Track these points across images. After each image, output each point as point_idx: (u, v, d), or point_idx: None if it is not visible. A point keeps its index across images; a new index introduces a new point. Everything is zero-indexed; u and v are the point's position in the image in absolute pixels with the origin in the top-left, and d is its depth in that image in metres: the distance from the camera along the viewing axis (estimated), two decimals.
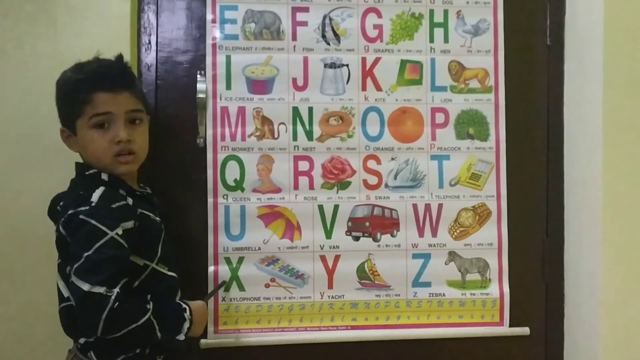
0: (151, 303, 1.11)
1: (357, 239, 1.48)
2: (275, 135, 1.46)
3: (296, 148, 1.46)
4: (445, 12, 1.51)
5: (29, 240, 1.38)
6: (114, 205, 1.12)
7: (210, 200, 1.43)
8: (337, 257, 1.47)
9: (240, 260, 1.44)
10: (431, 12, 1.51)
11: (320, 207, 1.46)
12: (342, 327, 1.47)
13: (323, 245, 1.46)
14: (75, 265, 1.06)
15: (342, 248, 1.47)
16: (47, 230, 1.37)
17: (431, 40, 1.51)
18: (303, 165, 1.47)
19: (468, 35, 1.52)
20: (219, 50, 1.45)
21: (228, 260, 1.43)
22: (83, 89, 1.15)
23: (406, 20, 1.50)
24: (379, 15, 1.49)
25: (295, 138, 1.46)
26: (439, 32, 1.51)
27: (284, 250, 1.45)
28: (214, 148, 1.44)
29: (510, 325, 1.52)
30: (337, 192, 1.47)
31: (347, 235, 1.47)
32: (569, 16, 1.55)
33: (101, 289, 1.04)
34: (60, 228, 1.12)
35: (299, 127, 1.46)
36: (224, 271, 1.43)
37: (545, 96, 1.56)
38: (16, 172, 1.38)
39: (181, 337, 1.15)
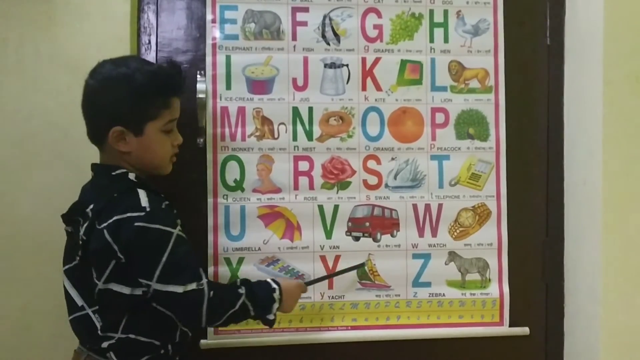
0: (243, 286, 1.17)
1: (357, 239, 1.48)
2: (275, 136, 1.46)
3: (296, 148, 1.46)
4: (445, 12, 1.51)
5: (29, 241, 1.38)
6: (162, 206, 1.13)
7: (210, 200, 1.43)
8: (337, 257, 1.47)
9: (240, 260, 1.44)
10: (431, 12, 1.51)
11: (320, 207, 1.46)
12: (343, 328, 1.47)
13: (323, 246, 1.46)
14: (157, 274, 1.06)
15: (342, 248, 1.47)
16: (47, 231, 1.38)
17: (431, 40, 1.51)
18: (303, 166, 1.47)
19: (468, 35, 1.52)
20: (219, 50, 1.45)
21: (228, 261, 1.43)
22: (163, 94, 1.15)
23: (406, 20, 1.50)
24: (379, 15, 1.49)
25: (295, 138, 1.46)
26: (439, 32, 1.51)
27: (284, 250, 1.45)
28: (214, 148, 1.44)
29: (510, 325, 1.52)
30: (337, 192, 1.47)
31: (347, 235, 1.47)
32: (569, 16, 1.55)
33: (193, 285, 1.08)
34: (106, 234, 1.06)
35: (299, 127, 1.46)
36: (224, 272, 1.43)
37: (545, 96, 1.56)
38: (16, 172, 1.38)
39: (271, 316, 1.20)
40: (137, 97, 1.13)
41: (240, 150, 1.45)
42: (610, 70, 1.42)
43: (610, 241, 1.43)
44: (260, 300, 1.18)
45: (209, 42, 1.45)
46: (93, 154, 1.37)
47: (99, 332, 1.10)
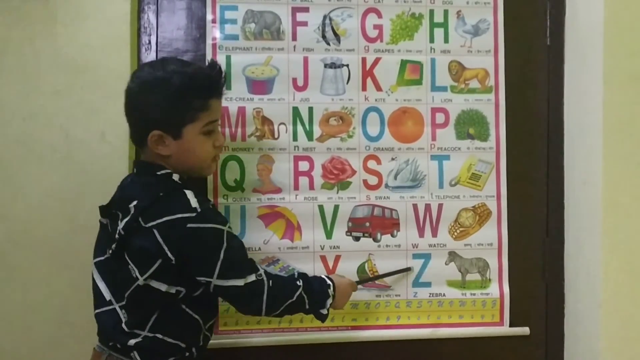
0: (300, 279, 1.21)
1: (357, 239, 1.48)
2: (276, 136, 1.46)
3: (296, 148, 1.46)
4: (445, 12, 1.51)
5: (29, 241, 1.38)
6: (210, 206, 1.15)
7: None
8: (337, 258, 1.47)
9: None
10: (431, 12, 1.51)
11: (321, 208, 1.46)
12: (343, 328, 1.47)
13: (323, 246, 1.46)
14: (217, 271, 1.09)
15: (342, 248, 1.47)
16: (48, 231, 1.38)
17: (431, 40, 1.51)
18: (303, 166, 1.47)
19: (468, 36, 1.52)
20: (219, 51, 1.45)
21: None
22: (200, 96, 1.14)
23: (406, 21, 1.50)
24: (379, 16, 1.49)
25: (295, 138, 1.46)
26: (439, 32, 1.51)
27: (284, 250, 1.45)
28: None
29: (510, 325, 1.52)
30: (337, 192, 1.47)
31: (347, 235, 1.47)
32: (569, 16, 1.55)
33: (253, 277, 1.12)
34: (156, 233, 1.06)
35: (299, 127, 1.46)
36: None
37: (545, 96, 1.56)
38: (16, 172, 1.38)
39: (324, 311, 1.24)
40: (173, 100, 1.12)
41: (240, 150, 1.45)
42: (610, 70, 1.42)
43: (610, 241, 1.43)
44: (316, 294, 1.22)
45: (209, 42, 1.45)
46: (93, 154, 1.38)
47: (126, 328, 1.10)
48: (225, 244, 1.10)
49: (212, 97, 1.16)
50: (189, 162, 1.17)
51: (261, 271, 1.15)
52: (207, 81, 1.16)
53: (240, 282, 1.11)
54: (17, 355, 1.39)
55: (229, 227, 1.13)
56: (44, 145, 1.38)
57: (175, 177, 1.16)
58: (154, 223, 1.06)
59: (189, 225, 1.07)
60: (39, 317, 1.38)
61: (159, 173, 1.15)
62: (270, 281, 1.14)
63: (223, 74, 1.19)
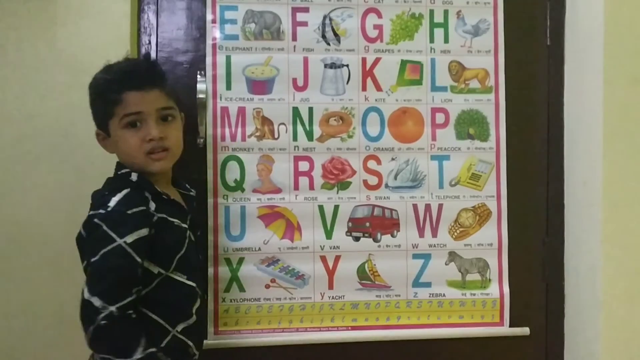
0: (145, 339, 1.05)
1: (357, 239, 1.48)
2: (276, 136, 1.46)
3: (296, 148, 1.46)
4: (445, 12, 1.51)
5: (30, 240, 1.38)
6: (129, 212, 1.09)
7: (210, 200, 1.43)
8: (337, 258, 1.47)
9: (241, 260, 1.44)
10: (431, 12, 1.51)
11: (321, 208, 1.46)
12: (343, 328, 1.47)
13: (323, 246, 1.46)
14: (84, 268, 1.08)
15: (342, 248, 1.47)
16: (48, 230, 1.38)
17: (431, 40, 1.51)
18: (303, 166, 1.46)
19: (468, 36, 1.52)
20: (219, 51, 1.45)
21: (228, 261, 1.43)
22: (113, 90, 1.14)
23: (406, 21, 1.50)
24: (379, 16, 1.49)
25: (295, 138, 1.46)
26: (439, 32, 1.51)
27: (284, 250, 1.45)
28: (214, 148, 1.44)
29: (510, 325, 1.52)
30: (338, 193, 1.47)
31: (347, 235, 1.47)
32: (569, 16, 1.55)
33: (97, 302, 1.02)
34: (81, 227, 1.12)
35: (299, 128, 1.46)
36: (224, 272, 1.43)
37: (545, 96, 1.56)
38: (16, 172, 1.38)
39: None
40: (95, 97, 1.17)
41: (240, 151, 1.45)
42: (610, 70, 1.42)
43: (610, 241, 1.43)
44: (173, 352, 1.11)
45: (209, 42, 1.45)
46: (93, 154, 1.38)
47: None
48: (103, 252, 1.05)
49: (125, 90, 1.13)
50: (123, 157, 1.18)
51: (111, 308, 1.02)
52: (119, 75, 1.15)
53: (85, 293, 1.03)
54: (17, 355, 1.39)
55: (126, 242, 1.06)
56: (44, 145, 1.38)
57: (134, 176, 1.16)
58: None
59: (95, 219, 1.08)
60: (39, 317, 1.38)
61: (119, 172, 1.17)
62: (105, 322, 1.01)
63: (152, 67, 1.20)
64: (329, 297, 1.46)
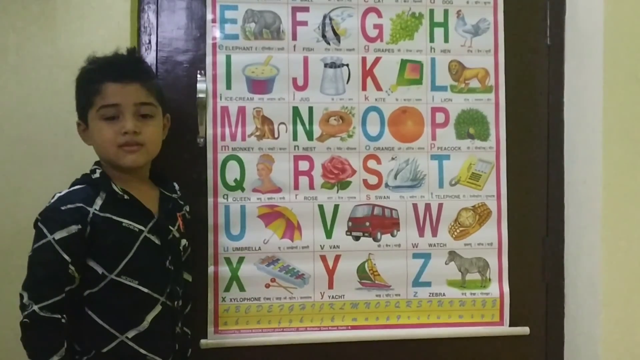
0: (64, 349, 1.06)
1: (357, 238, 1.48)
2: (276, 135, 1.46)
3: (296, 148, 1.46)
4: (446, 11, 1.51)
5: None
6: (63, 207, 1.09)
7: (210, 200, 1.43)
8: (337, 257, 1.47)
9: (241, 260, 1.44)
10: (431, 11, 1.51)
11: (321, 207, 1.46)
12: (343, 327, 1.47)
13: (323, 245, 1.46)
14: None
15: (342, 248, 1.47)
16: None
17: (431, 40, 1.51)
18: (303, 165, 1.46)
19: (468, 35, 1.52)
20: (219, 50, 1.45)
21: (228, 261, 1.43)
22: (93, 80, 1.15)
23: (406, 20, 1.50)
24: (379, 15, 1.49)
25: (295, 138, 1.46)
26: (439, 32, 1.51)
27: (284, 250, 1.45)
28: (214, 148, 1.44)
29: (510, 325, 1.52)
30: (337, 192, 1.47)
31: (347, 235, 1.47)
32: (569, 16, 1.55)
33: (25, 298, 1.06)
34: None
35: (299, 127, 1.46)
36: (224, 272, 1.43)
37: (545, 96, 1.56)
38: (16, 172, 1.38)
39: None
40: (77, 87, 1.19)
41: (240, 150, 1.45)
42: (610, 70, 1.42)
43: (610, 241, 1.43)
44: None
45: (209, 41, 1.45)
46: (93, 154, 1.37)
47: None
48: (35, 246, 1.09)
49: (105, 81, 1.14)
50: (97, 149, 1.19)
51: (34, 307, 1.05)
52: (100, 65, 1.17)
53: (21, 289, 1.08)
54: (17, 355, 1.39)
55: (54, 239, 1.06)
56: (44, 145, 1.38)
57: (97, 174, 1.17)
58: None
59: (38, 214, 1.12)
60: None
61: (89, 170, 1.19)
62: (27, 320, 1.06)
63: (135, 61, 1.23)
64: (329, 297, 1.46)
